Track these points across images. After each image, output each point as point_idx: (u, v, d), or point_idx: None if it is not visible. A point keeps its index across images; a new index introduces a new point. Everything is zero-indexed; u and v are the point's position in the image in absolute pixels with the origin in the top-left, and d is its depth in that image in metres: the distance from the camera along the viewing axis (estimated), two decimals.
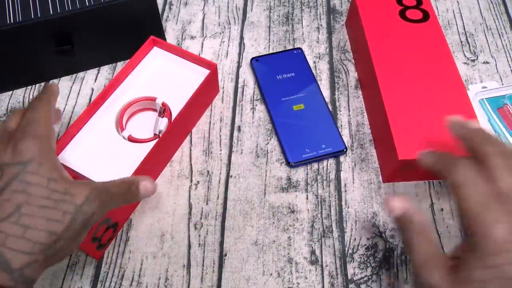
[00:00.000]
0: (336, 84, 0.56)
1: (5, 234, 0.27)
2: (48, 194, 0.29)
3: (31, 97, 0.55)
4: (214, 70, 0.50)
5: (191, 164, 0.49)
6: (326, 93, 0.55)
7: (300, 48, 0.58)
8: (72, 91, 0.55)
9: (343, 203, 0.47)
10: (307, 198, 0.47)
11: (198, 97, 0.49)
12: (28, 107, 0.34)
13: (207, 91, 0.52)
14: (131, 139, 0.47)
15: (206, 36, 0.60)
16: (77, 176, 0.44)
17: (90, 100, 0.55)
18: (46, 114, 0.33)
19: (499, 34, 0.60)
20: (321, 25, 0.61)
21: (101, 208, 0.32)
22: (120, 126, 0.48)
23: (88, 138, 0.47)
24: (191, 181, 0.48)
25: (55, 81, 0.56)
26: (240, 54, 0.59)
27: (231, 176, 0.49)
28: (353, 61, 0.58)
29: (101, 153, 0.46)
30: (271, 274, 0.43)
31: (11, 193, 0.28)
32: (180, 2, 0.64)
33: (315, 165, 0.49)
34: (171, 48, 0.53)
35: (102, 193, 0.32)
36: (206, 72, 0.51)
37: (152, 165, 0.46)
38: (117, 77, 0.50)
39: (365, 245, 0.45)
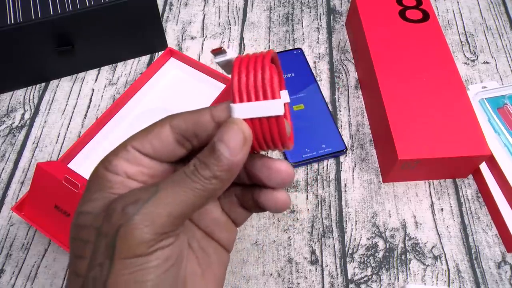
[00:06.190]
0: (336, 84, 0.56)
1: None
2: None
3: (31, 97, 0.55)
4: (230, 85, 0.49)
5: None
6: (326, 93, 0.55)
7: (300, 49, 0.58)
8: (73, 91, 0.55)
9: (343, 203, 0.47)
10: (307, 198, 0.47)
11: None
12: None
13: None
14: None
15: (206, 36, 0.61)
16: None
17: (90, 100, 0.55)
18: None
19: (499, 34, 0.60)
20: (321, 25, 0.61)
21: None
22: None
23: (99, 147, 0.47)
24: None
25: (56, 81, 0.56)
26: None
27: None
28: (353, 61, 0.58)
29: None
30: (271, 274, 0.43)
31: None
32: (181, 2, 0.64)
33: (315, 165, 0.49)
34: (187, 60, 0.52)
35: None
36: (222, 86, 0.51)
37: None
38: (132, 87, 0.49)
39: (365, 245, 0.44)
